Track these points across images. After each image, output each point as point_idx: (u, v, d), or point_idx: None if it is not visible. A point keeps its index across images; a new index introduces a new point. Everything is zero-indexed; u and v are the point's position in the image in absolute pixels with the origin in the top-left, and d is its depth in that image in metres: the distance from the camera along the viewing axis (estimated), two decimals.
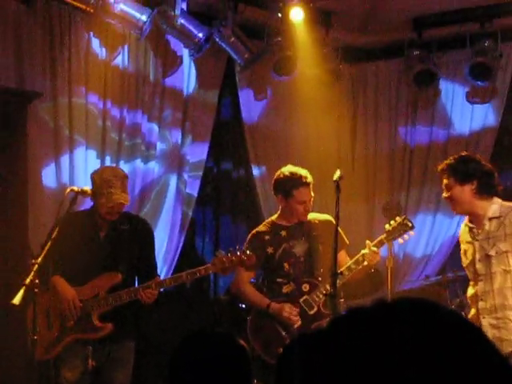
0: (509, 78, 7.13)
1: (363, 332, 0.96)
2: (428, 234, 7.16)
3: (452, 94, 7.28)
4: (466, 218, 4.79)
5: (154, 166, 6.89)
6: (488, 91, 7.16)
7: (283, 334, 5.19)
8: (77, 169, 6.35)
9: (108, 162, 6.54)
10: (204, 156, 7.21)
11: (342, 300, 5.42)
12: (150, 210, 6.79)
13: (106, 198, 4.90)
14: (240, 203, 7.98)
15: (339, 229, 4.99)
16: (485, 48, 6.88)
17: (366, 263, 5.10)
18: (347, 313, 1.03)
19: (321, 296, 5.21)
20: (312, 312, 5.23)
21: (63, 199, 4.97)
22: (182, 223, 7.02)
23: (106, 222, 5.04)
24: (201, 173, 7.21)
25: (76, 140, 6.36)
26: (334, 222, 4.88)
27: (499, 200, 4.65)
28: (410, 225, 5.27)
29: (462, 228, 4.84)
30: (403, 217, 5.36)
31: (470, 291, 4.77)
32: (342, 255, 5.20)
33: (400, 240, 5.26)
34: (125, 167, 6.45)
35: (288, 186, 5.25)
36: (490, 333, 4.47)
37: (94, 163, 6.43)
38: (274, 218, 5.47)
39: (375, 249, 5.12)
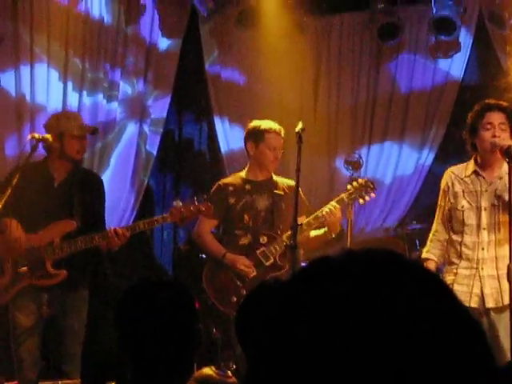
0: (472, 33, 7.15)
1: (332, 283, 0.90)
2: (388, 188, 7.20)
3: (415, 48, 7.27)
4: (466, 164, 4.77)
5: (117, 108, 6.80)
6: (451, 46, 7.17)
7: (238, 283, 5.22)
8: (38, 84, 6.26)
9: (70, 88, 6.45)
10: (165, 113, 7.15)
11: (302, 252, 5.45)
12: (105, 155, 6.73)
13: (75, 130, 4.94)
14: (203, 172, 7.76)
15: (301, 193, 5.04)
16: (449, 3, 6.88)
17: (325, 218, 5.16)
18: (313, 263, 0.95)
19: (278, 248, 5.25)
20: (268, 263, 5.26)
21: (23, 147, 4.96)
22: (138, 184, 6.95)
23: (61, 171, 5.07)
24: (161, 129, 7.15)
25: (37, 54, 6.27)
26: (296, 175, 4.90)
27: None
28: (372, 186, 5.37)
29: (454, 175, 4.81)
30: (366, 178, 5.45)
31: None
32: (303, 220, 5.13)
33: (361, 200, 5.34)
34: (87, 100, 6.42)
35: (260, 130, 5.28)
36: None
37: (56, 85, 6.36)
38: (242, 172, 5.49)
39: (335, 204, 5.18)
